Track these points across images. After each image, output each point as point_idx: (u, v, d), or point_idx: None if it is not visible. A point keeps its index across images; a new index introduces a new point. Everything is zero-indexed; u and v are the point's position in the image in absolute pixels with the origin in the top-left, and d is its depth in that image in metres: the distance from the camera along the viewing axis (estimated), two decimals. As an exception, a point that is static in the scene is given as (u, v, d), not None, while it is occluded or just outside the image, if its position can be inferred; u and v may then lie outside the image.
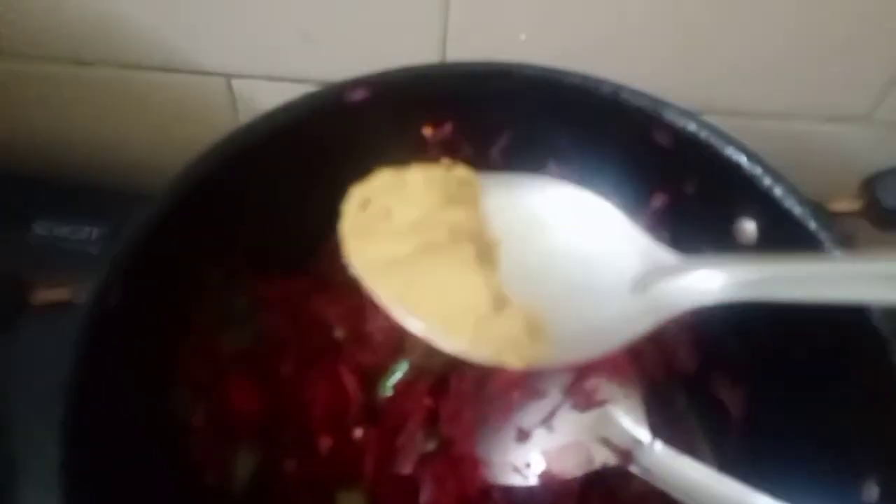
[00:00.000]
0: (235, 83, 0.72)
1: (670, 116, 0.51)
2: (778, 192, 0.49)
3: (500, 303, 0.37)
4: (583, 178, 0.58)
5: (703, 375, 0.57)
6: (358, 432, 0.51)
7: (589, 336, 0.39)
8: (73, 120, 0.78)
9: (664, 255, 0.42)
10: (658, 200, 0.55)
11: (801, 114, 0.68)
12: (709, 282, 0.40)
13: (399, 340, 0.55)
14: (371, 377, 0.54)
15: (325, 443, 0.51)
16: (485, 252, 0.40)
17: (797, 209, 0.48)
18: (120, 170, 0.77)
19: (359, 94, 0.52)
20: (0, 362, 0.60)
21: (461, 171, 0.45)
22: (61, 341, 0.44)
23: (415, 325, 0.39)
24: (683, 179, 0.53)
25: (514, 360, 0.36)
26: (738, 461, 0.54)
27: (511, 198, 0.44)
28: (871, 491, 0.44)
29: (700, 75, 0.63)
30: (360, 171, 0.59)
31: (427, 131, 0.56)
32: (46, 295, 0.45)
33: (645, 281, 0.39)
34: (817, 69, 0.64)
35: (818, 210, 0.48)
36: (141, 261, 0.47)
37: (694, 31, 0.62)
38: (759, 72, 0.64)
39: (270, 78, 0.70)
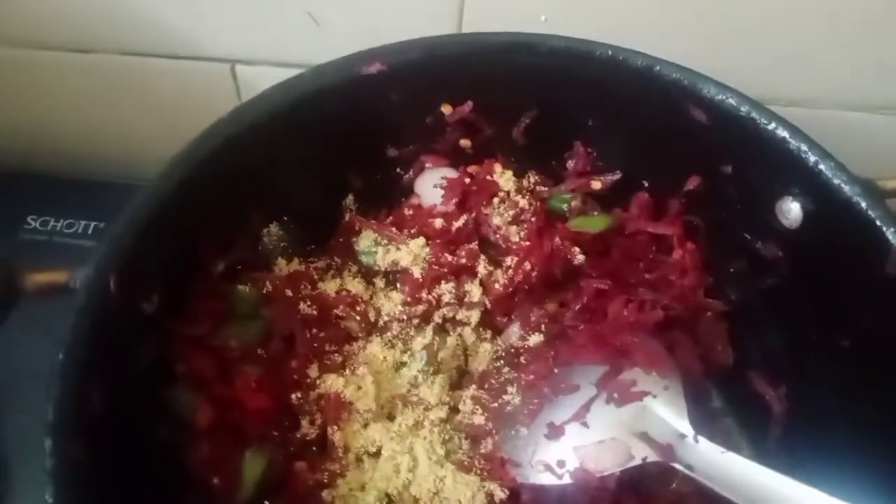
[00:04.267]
0: (239, 69, 0.68)
1: (708, 90, 0.48)
2: (825, 168, 0.45)
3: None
4: (611, 160, 0.56)
5: (740, 370, 0.54)
6: (373, 431, 0.47)
7: None
8: (73, 109, 0.74)
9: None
10: (693, 182, 0.52)
11: (837, 101, 0.64)
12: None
13: (415, 330, 0.51)
14: (385, 371, 0.50)
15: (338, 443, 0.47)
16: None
17: (847, 187, 0.45)
18: (120, 161, 0.73)
19: (374, 67, 0.49)
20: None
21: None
22: (56, 331, 0.41)
23: None
24: (721, 159, 0.50)
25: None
26: (778, 457, 0.51)
27: None
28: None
29: (734, 60, 0.59)
30: (374, 150, 0.56)
31: (446, 109, 0.53)
32: (41, 277, 0.41)
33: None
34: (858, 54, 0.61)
35: (869, 187, 0.45)
36: (139, 246, 0.44)
37: (730, 12, 0.58)
38: (800, 55, 0.60)
39: (275, 64, 0.67)
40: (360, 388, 0.48)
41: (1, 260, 0.42)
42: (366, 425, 0.48)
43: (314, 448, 0.47)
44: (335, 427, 0.47)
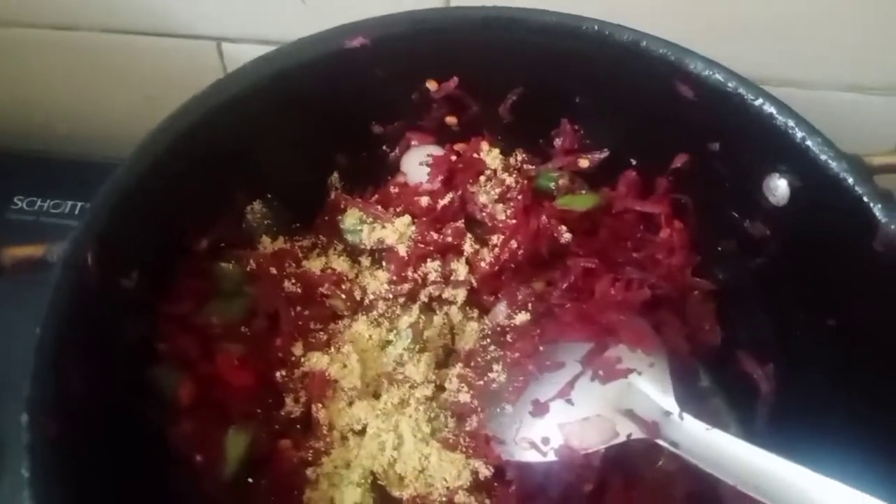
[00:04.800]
0: (226, 47, 0.68)
1: (695, 66, 0.47)
2: (812, 144, 0.45)
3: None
4: (598, 138, 0.55)
5: (728, 350, 0.53)
6: (358, 409, 0.47)
7: None
8: (56, 89, 0.74)
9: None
10: (680, 160, 0.51)
11: (825, 82, 0.64)
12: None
13: (401, 309, 0.51)
14: (371, 349, 0.50)
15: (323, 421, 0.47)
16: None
17: (834, 163, 0.44)
18: (108, 141, 0.72)
19: (357, 41, 0.48)
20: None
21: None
22: (33, 307, 0.40)
23: None
24: (708, 136, 0.49)
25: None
26: (766, 437, 0.50)
27: None
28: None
29: (727, 39, 0.58)
30: (359, 127, 0.55)
31: (431, 85, 0.52)
32: (18, 252, 0.41)
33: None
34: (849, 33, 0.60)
35: (856, 163, 0.45)
36: (118, 221, 0.43)
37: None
38: (794, 36, 0.60)
39: (262, 41, 0.66)
40: (345, 366, 0.48)
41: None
42: (351, 403, 0.48)
43: (298, 426, 0.47)
44: (320, 405, 0.47)
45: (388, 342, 0.50)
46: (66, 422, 0.39)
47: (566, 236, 0.51)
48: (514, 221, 0.51)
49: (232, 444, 0.45)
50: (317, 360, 0.48)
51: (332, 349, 0.49)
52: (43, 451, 0.37)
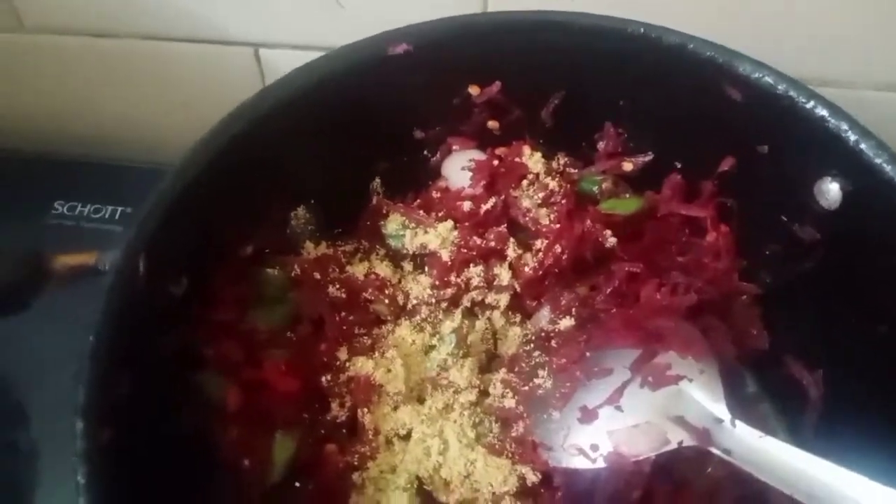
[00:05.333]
0: (263, 53, 0.68)
1: (744, 68, 0.47)
2: (867, 147, 0.44)
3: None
4: (642, 141, 0.55)
5: (775, 355, 0.52)
6: (403, 413, 0.47)
7: None
8: (94, 96, 0.75)
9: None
10: (727, 164, 0.51)
11: (871, 81, 0.62)
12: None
13: (444, 314, 0.51)
14: (414, 354, 0.50)
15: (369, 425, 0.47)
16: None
17: (889, 166, 0.43)
18: (147, 146, 0.73)
19: (400, 48, 0.48)
20: (17, 344, 0.57)
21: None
22: (81, 318, 0.40)
23: None
24: (756, 139, 0.49)
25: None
26: (815, 445, 0.50)
27: None
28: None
29: (765, 37, 0.57)
30: (400, 132, 0.56)
31: (473, 90, 0.52)
32: (69, 260, 0.42)
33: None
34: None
35: (912, 166, 0.44)
36: (168, 227, 0.43)
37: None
38: (834, 34, 0.59)
39: (299, 47, 0.67)
40: (389, 370, 0.48)
41: (29, 249, 0.42)
42: (395, 408, 0.48)
43: (344, 430, 0.47)
44: (365, 409, 0.47)
45: (432, 347, 0.50)
46: (117, 429, 0.39)
47: (611, 240, 0.51)
48: (557, 226, 0.51)
49: (279, 449, 0.45)
50: (362, 365, 0.48)
51: (377, 354, 0.49)
52: (97, 458, 0.37)
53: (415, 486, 0.46)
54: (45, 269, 0.42)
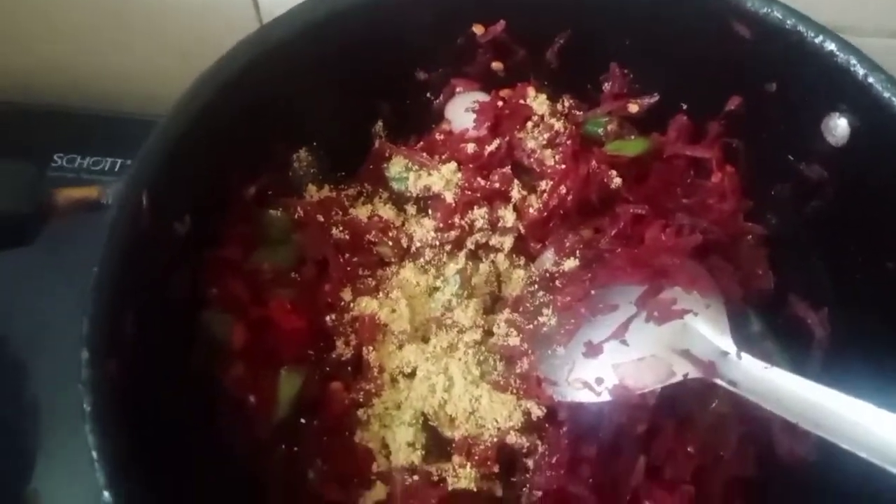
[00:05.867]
0: (262, 1, 0.67)
1: (752, 4, 0.46)
2: (875, 81, 0.44)
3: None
4: (648, 82, 0.54)
5: (780, 295, 0.52)
6: (408, 352, 0.47)
7: None
8: (92, 47, 0.74)
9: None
10: (734, 103, 0.50)
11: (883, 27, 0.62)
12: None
13: (448, 256, 0.51)
14: (419, 295, 0.50)
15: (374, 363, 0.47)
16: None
17: (898, 100, 0.43)
18: (146, 97, 0.72)
19: (404, -17, 0.47)
20: (21, 279, 0.57)
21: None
22: (88, 253, 0.40)
23: None
24: (764, 76, 0.48)
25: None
26: (819, 380, 0.50)
27: None
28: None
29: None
30: (402, 74, 0.55)
31: (477, 29, 0.51)
32: (73, 193, 0.41)
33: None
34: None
35: (922, 101, 0.43)
36: (170, 165, 0.43)
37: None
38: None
39: (300, -6, 0.66)
40: (394, 310, 0.48)
41: (33, 172, 0.42)
42: (400, 346, 0.48)
43: (349, 368, 0.47)
44: (370, 348, 0.47)
45: (436, 288, 0.50)
46: (123, 362, 0.39)
47: (616, 181, 0.50)
48: (562, 167, 0.50)
49: (284, 386, 0.45)
50: (366, 305, 0.48)
51: (381, 294, 0.49)
52: (103, 388, 0.37)
53: (420, 421, 0.46)
54: (49, 203, 0.42)
